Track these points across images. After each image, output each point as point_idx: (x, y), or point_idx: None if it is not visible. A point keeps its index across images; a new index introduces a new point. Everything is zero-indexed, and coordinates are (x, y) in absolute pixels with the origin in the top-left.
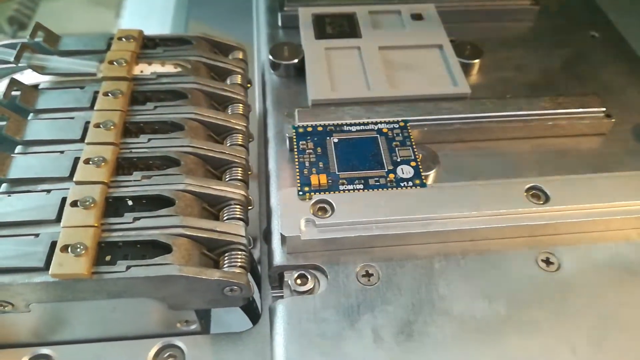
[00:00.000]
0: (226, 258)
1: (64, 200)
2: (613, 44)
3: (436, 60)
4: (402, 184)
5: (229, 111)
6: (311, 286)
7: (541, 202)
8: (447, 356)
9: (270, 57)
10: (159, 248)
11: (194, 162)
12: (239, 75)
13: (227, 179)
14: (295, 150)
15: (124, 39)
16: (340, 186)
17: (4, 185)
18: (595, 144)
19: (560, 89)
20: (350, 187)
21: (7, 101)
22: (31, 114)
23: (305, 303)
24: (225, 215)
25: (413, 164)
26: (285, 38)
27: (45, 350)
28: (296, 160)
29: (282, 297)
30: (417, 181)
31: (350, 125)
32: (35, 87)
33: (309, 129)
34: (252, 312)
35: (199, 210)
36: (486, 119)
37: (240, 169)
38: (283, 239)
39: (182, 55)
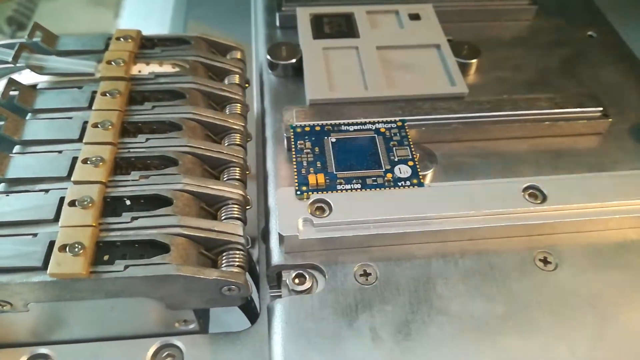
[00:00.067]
0: (224, 258)
1: (62, 199)
2: (611, 43)
3: (434, 60)
4: (399, 184)
5: (227, 111)
6: (309, 286)
7: (539, 202)
8: (445, 355)
9: (268, 57)
10: (157, 248)
11: (191, 162)
12: (237, 75)
13: (225, 179)
14: (293, 149)
15: (122, 39)
16: (338, 186)
17: (2, 185)
18: (592, 144)
19: (558, 89)
20: (348, 186)
21: (5, 101)
22: (29, 114)
23: (304, 302)
24: (223, 214)
25: (410, 163)
26: (283, 38)
27: (43, 350)
28: (294, 159)
29: (280, 296)
30: (415, 181)
31: (348, 124)
32: (33, 87)
33: (307, 129)
34: (251, 312)
35: (197, 209)
36: (484, 118)
37: (238, 168)
38: (281, 238)
39: (180, 55)
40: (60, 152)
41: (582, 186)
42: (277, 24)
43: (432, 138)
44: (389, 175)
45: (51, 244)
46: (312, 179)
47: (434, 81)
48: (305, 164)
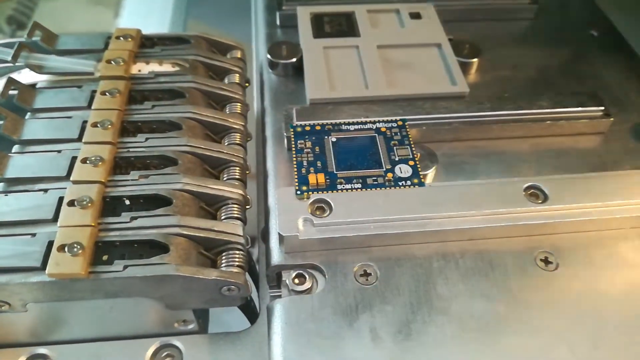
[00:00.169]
0: (224, 257)
1: (61, 199)
2: (612, 42)
3: (434, 59)
4: (400, 183)
5: (227, 110)
6: (309, 286)
7: (540, 202)
8: (446, 356)
9: (269, 56)
10: (156, 248)
11: (191, 162)
12: (237, 75)
13: (225, 179)
14: (294, 149)
15: (121, 38)
16: (338, 185)
17: (1, 184)
18: (593, 143)
19: (559, 88)
20: (349, 186)
21: (4, 100)
22: (28, 113)
23: (303, 303)
24: (223, 214)
25: (411, 163)
26: (283, 37)
27: (42, 350)
28: (294, 159)
29: (280, 296)
30: (416, 180)
31: (349, 124)
32: (32, 86)
33: (307, 128)
34: (250, 312)
35: (197, 209)
36: (484, 118)
37: (238, 168)
38: (281, 238)
39: (180, 54)
40: (59, 151)
41: (584, 186)
42: (278, 23)
43: (432, 137)
44: (390, 174)
45: (50, 244)
46: (312, 178)
47: (435, 80)
48: (305, 163)
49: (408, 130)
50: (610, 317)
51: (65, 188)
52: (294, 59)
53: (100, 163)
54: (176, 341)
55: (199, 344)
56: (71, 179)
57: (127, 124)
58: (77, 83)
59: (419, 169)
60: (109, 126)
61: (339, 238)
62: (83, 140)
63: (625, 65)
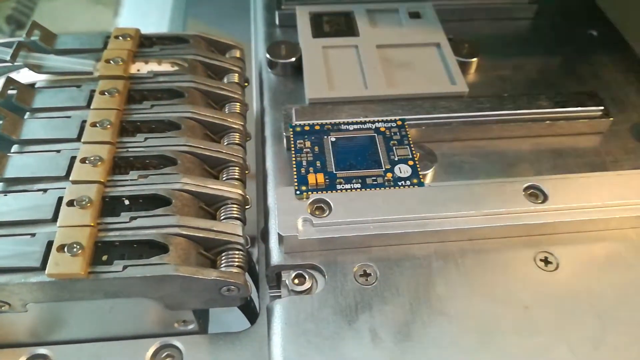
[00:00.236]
0: (223, 258)
1: (60, 199)
2: (612, 42)
3: (434, 59)
4: (399, 183)
5: (226, 110)
6: (309, 286)
7: (539, 201)
8: (445, 356)
9: (268, 55)
10: (155, 248)
11: (190, 161)
12: (237, 74)
13: (224, 178)
14: (293, 149)
15: (120, 38)
16: (337, 185)
17: (0, 184)
18: (593, 143)
19: (559, 88)
20: (348, 186)
21: (3, 100)
22: (27, 113)
23: (303, 303)
24: (222, 214)
25: (411, 163)
26: (282, 37)
27: (42, 350)
28: (293, 159)
29: (279, 296)
30: (415, 180)
31: (348, 124)
32: (31, 85)
33: (307, 128)
34: (250, 312)
35: (196, 209)
36: (484, 117)
37: (237, 168)
38: (280, 238)
39: (179, 53)
40: (58, 151)
41: (583, 186)
42: (277, 22)
43: (432, 137)
44: (389, 174)
45: (49, 244)
46: (311, 178)
47: (434, 80)
48: (304, 163)
49: (407, 130)
50: (610, 317)
51: (65, 188)
52: (293, 59)
53: (99, 163)
54: (176, 341)
55: (199, 344)
56: (70, 178)
57: (126, 123)
58: (76, 83)
59: (419, 169)
60: (108, 126)
61: (338, 238)
62: (82, 140)
63: (625, 65)
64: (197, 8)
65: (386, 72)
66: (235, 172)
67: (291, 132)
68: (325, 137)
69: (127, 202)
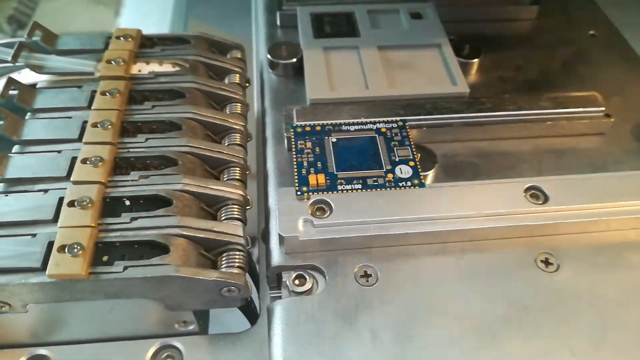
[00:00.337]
0: (224, 258)
1: (61, 200)
2: (612, 43)
3: (435, 60)
4: (400, 184)
5: (227, 110)
6: (309, 287)
7: (540, 202)
8: (445, 357)
9: (269, 56)
10: (156, 248)
11: (191, 162)
12: (238, 75)
13: (225, 179)
14: (294, 149)
15: (121, 38)
16: (338, 186)
17: (1, 184)
18: (594, 144)
19: (560, 88)
20: (349, 187)
21: (4, 100)
22: (29, 114)
23: (304, 304)
24: (223, 215)
25: (412, 163)
26: (283, 37)
27: (42, 351)
28: (294, 159)
29: (280, 297)
30: (416, 181)
31: (349, 124)
32: (32, 86)
33: (307, 129)
34: (251, 313)
35: (197, 210)
36: (485, 118)
37: (238, 168)
38: (281, 239)
39: (180, 54)
40: (59, 152)
41: (584, 187)
42: (278, 23)
43: (433, 138)
44: (390, 175)
45: (50, 245)
46: (312, 179)
47: (435, 81)
48: (305, 164)
49: (408, 130)
50: (611, 318)
51: (66, 188)
52: (294, 59)
53: (100, 163)
54: (176, 342)
55: (199, 344)
56: (71, 179)
57: (127, 124)
58: (77, 83)
59: (420, 170)
60: (109, 126)
61: (339, 239)
62: (83, 141)
63: (626, 66)
64: (199, 8)
65: (387, 73)
66: (236, 172)
67: (292, 133)
68: (326, 137)
69: (127, 202)
